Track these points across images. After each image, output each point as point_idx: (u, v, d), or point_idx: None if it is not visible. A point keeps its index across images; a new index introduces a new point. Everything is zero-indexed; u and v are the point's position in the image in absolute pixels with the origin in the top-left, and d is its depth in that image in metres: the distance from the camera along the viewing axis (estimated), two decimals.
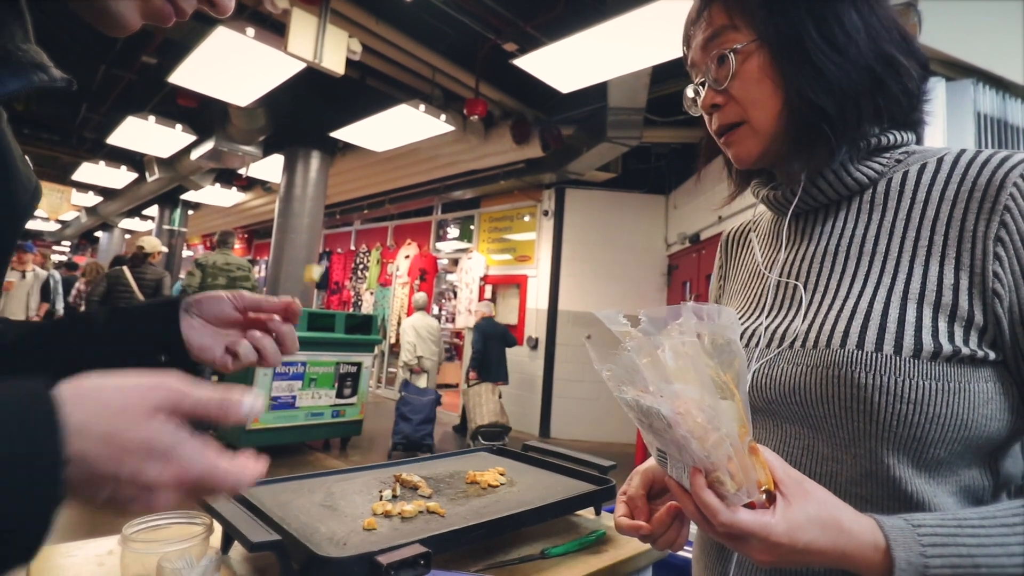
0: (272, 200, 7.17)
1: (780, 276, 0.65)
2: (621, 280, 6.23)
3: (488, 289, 7.03)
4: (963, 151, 0.56)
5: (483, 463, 1.10)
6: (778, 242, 0.69)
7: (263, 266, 9.74)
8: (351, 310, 8.79)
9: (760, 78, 0.58)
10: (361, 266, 8.92)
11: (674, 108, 5.03)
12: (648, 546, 0.93)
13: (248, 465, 0.36)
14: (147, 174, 6.88)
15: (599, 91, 4.32)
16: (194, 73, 4.11)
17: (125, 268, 4.44)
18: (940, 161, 0.57)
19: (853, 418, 0.51)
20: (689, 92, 0.66)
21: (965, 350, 0.49)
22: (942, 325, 0.50)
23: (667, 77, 4.34)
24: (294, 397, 4.28)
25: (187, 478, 0.33)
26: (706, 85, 0.61)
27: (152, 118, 5.21)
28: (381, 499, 0.84)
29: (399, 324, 7.85)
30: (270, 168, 6.41)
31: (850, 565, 0.44)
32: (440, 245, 8.09)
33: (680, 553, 1.18)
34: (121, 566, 0.69)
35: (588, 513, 1.01)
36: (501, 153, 5.64)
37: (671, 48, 3.34)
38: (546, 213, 6.51)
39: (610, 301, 6.21)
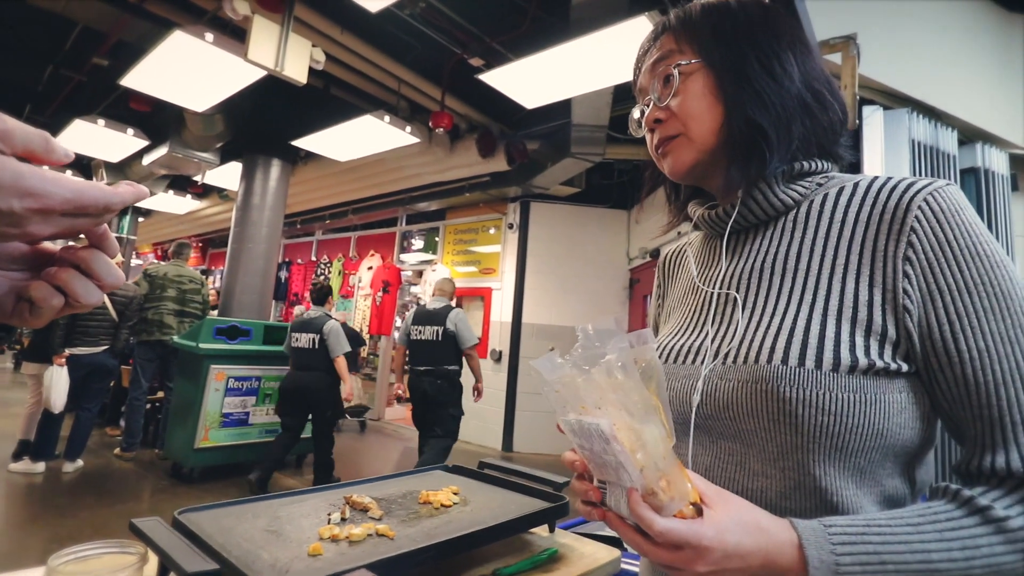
0: (229, 208, 6.98)
1: (713, 288, 0.68)
2: (584, 293, 6.30)
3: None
4: (876, 177, 0.61)
5: (437, 482, 1.08)
6: (712, 260, 0.72)
7: (218, 276, 9.43)
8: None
9: (702, 94, 0.63)
10: (322, 277, 8.74)
11: None
12: (600, 563, 0.93)
13: (120, 186, 0.35)
14: (94, 179, 6.59)
15: (564, 108, 4.39)
16: (148, 76, 3.97)
17: None
18: (856, 185, 0.61)
19: (781, 431, 0.53)
20: (635, 114, 0.71)
21: (880, 363, 0.52)
22: (859, 340, 0.53)
23: (629, 97, 4.42)
24: (247, 413, 4.14)
25: (48, 204, 0.32)
26: (651, 104, 0.66)
27: (102, 121, 5.01)
28: (329, 522, 0.81)
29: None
30: (228, 175, 6.24)
31: (772, 567, 0.46)
32: (404, 257, 8.01)
33: (632, 568, 1.18)
34: None
35: (542, 531, 1.00)
36: (467, 166, 5.65)
37: (632, 69, 3.42)
38: (511, 226, 6.54)
39: (573, 314, 6.26)
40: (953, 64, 2.73)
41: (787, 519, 0.48)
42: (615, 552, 0.97)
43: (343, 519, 0.83)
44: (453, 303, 4.13)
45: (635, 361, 0.45)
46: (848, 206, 0.60)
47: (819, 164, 0.65)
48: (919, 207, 0.54)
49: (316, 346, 3.96)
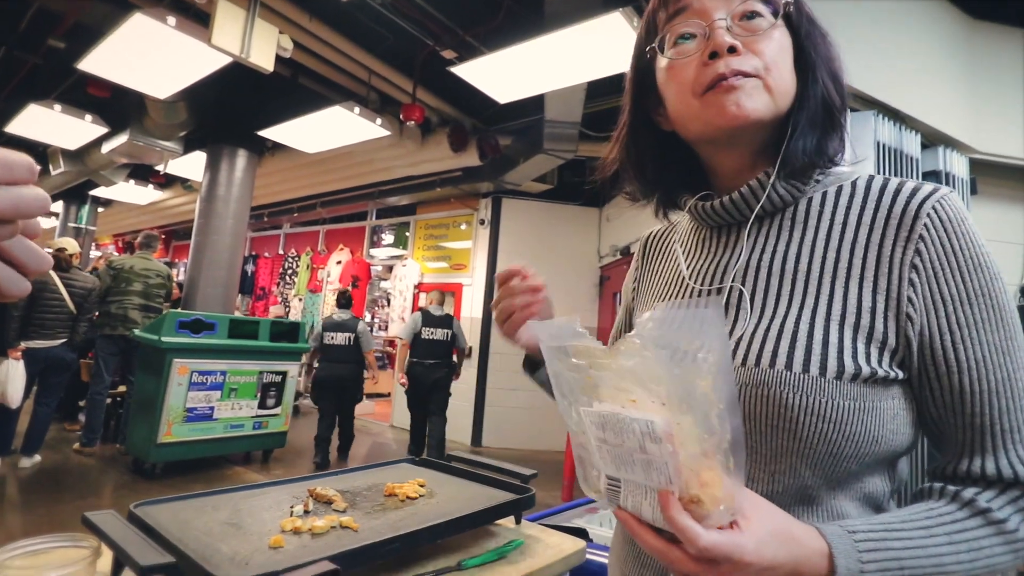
0: (193, 199, 6.78)
1: (703, 286, 0.64)
2: (555, 290, 6.18)
3: (423, 297, 6.95)
4: (872, 177, 0.60)
5: (404, 475, 1.08)
6: (701, 253, 0.68)
7: (181, 269, 9.18)
8: (322, 320, 8.44)
9: (785, 52, 0.57)
10: (290, 271, 8.59)
11: (609, 124, 5.16)
12: (566, 553, 0.94)
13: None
14: (51, 167, 6.33)
15: (536, 103, 4.39)
16: (107, 61, 3.82)
17: (52, 272, 4.03)
18: (854, 185, 0.60)
19: (777, 436, 0.52)
20: (678, 29, 0.59)
21: (880, 371, 0.52)
22: (860, 347, 0.52)
23: (602, 94, 4.47)
24: (212, 408, 4.04)
25: None
26: (717, 27, 0.56)
27: (58, 106, 4.80)
28: (292, 515, 0.80)
29: None
30: (191, 165, 6.06)
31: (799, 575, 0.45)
32: (374, 251, 7.92)
33: (596, 559, 1.20)
34: None
35: (509, 522, 1.01)
36: (438, 160, 5.61)
37: (606, 65, 3.45)
38: (482, 222, 6.52)
39: None
40: (918, 69, 2.83)
41: (813, 526, 0.46)
42: (580, 543, 0.99)
43: (306, 511, 0.83)
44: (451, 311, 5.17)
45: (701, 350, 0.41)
46: (849, 207, 0.58)
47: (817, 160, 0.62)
48: (928, 215, 0.53)
49: (351, 343, 4.86)
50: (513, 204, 6.45)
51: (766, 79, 0.55)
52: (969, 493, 0.50)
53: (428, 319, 4.93)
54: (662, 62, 0.61)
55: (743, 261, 0.61)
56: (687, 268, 0.68)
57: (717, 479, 0.39)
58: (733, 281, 0.61)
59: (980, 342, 0.51)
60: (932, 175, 2.84)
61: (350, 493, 0.93)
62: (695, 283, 0.65)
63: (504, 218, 6.45)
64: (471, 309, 6.48)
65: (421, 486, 0.97)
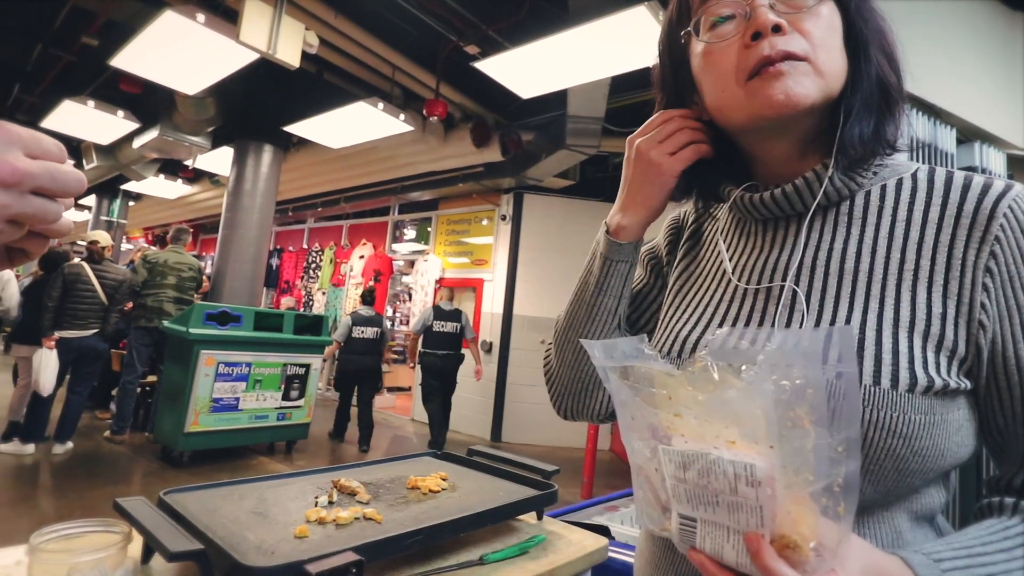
0: (220, 194, 6.91)
1: (749, 284, 0.59)
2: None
3: (451, 291, 6.99)
4: (933, 169, 0.56)
5: (426, 468, 1.08)
6: (747, 248, 0.62)
7: (208, 262, 9.36)
8: (302, 309, 8.56)
9: (835, 31, 0.52)
10: (313, 265, 8.70)
11: (632, 119, 5.13)
12: (588, 550, 0.94)
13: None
14: (84, 161, 6.51)
15: (559, 99, 4.37)
16: (139, 57, 3.91)
17: (84, 264, 4.16)
18: (915, 178, 0.56)
19: None
20: (717, 11, 0.54)
21: (951, 382, 0.48)
22: (931, 356, 0.49)
23: (626, 88, 4.42)
24: (237, 399, 4.12)
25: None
26: (758, 6, 0.51)
27: (91, 103, 4.93)
28: (316, 505, 0.81)
29: None
30: (219, 160, 6.17)
31: None
32: (396, 246, 7.98)
33: (619, 557, 1.19)
34: None
35: (530, 518, 1.01)
36: (460, 156, 5.62)
37: (631, 59, 3.41)
38: (504, 218, 6.52)
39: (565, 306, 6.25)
40: (954, 62, 2.73)
41: (896, 555, 0.43)
42: (603, 541, 0.98)
43: (331, 502, 0.83)
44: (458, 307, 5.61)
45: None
46: (913, 203, 0.54)
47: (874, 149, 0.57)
48: (1004, 215, 0.49)
49: (377, 337, 5.32)
50: (535, 200, 6.43)
51: (815, 61, 0.50)
52: None
53: (439, 313, 5.35)
54: (697, 47, 0.57)
55: (797, 259, 0.56)
56: (731, 265, 0.62)
57: (817, 523, 0.36)
58: (784, 280, 0.56)
59: None
60: (968, 171, 2.74)
61: (373, 485, 0.93)
62: (741, 282, 0.60)
63: (526, 214, 6.43)
64: (492, 305, 6.49)
65: (443, 480, 0.98)
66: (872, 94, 0.53)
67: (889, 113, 0.54)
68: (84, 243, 4.37)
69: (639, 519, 0.44)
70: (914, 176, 0.56)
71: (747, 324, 0.57)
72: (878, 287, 0.51)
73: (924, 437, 0.47)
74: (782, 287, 0.56)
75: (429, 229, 7.45)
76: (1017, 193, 0.50)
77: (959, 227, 0.51)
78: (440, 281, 7.03)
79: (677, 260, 0.73)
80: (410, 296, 7.28)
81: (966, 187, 0.52)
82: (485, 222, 6.82)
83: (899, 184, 0.56)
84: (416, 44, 4.34)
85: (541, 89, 3.95)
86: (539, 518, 1.01)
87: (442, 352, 5.27)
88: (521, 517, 0.99)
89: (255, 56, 3.60)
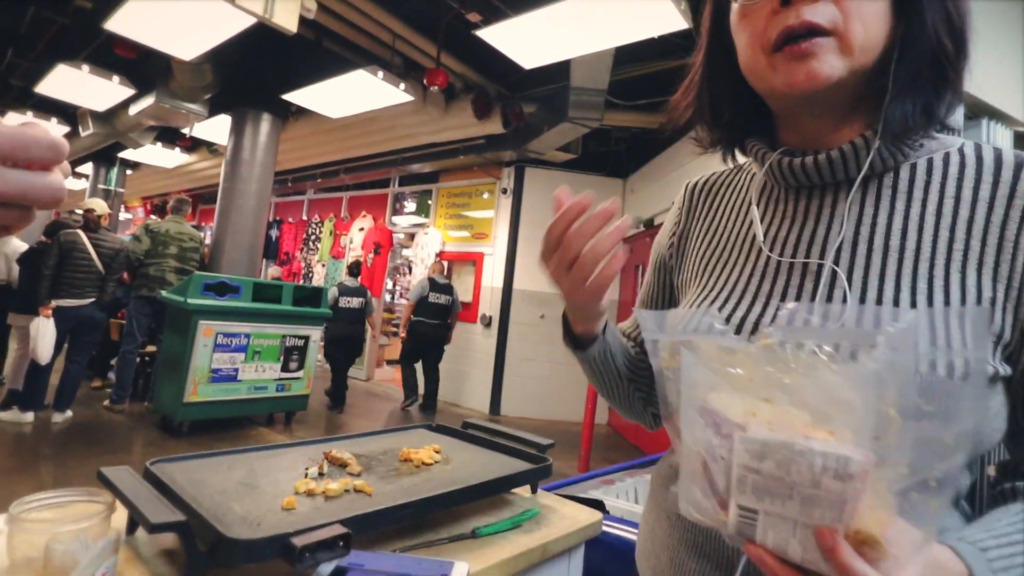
0: (218, 163, 6.82)
1: (784, 257, 0.55)
2: None
3: (444, 265, 6.96)
4: (979, 145, 0.53)
5: (419, 440, 1.07)
6: (778, 217, 0.58)
7: (208, 232, 9.34)
8: (302, 281, 8.55)
9: None
10: (313, 237, 8.65)
11: (636, 92, 5.03)
12: (582, 524, 0.93)
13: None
14: (80, 128, 6.41)
15: (562, 70, 4.27)
16: (133, 21, 3.81)
17: (80, 232, 4.12)
18: (962, 154, 0.52)
19: None
20: None
21: (999, 369, 0.46)
22: None
23: (630, 61, 4.32)
24: (236, 370, 4.13)
25: None
26: None
27: (86, 67, 4.82)
28: (307, 477, 0.80)
29: None
30: (217, 129, 6.08)
31: None
32: (396, 219, 7.92)
33: (614, 531, 1.19)
34: (8, 548, 0.63)
35: (525, 491, 1.00)
36: (461, 127, 5.53)
37: (635, 30, 3.32)
38: (505, 191, 6.46)
39: None
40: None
41: (947, 545, 0.41)
42: (597, 515, 0.97)
43: (321, 474, 0.82)
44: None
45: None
46: (962, 179, 0.51)
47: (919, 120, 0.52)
48: None
49: (361, 307, 5.58)
50: (536, 173, 6.36)
51: (844, 35, 0.47)
52: None
53: (435, 286, 5.69)
54: (734, 6, 0.54)
55: (838, 232, 0.53)
56: (764, 235, 0.58)
57: (895, 518, 0.33)
58: (824, 256, 0.52)
59: None
60: (1018, 151, 2.70)
61: (365, 457, 0.92)
62: (775, 254, 0.56)
63: (527, 187, 6.37)
64: (492, 279, 6.46)
65: (436, 452, 0.97)
66: (922, 66, 0.49)
67: (944, 88, 0.50)
68: (80, 211, 4.32)
69: (682, 507, 0.41)
70: (961, 151, 0.52)
71: (783, 300, 0.54)
72: (926, 266, 0.49)
73: None
74: (821, 263, 0.52)
75: (429, 202, 7.38)
76: None
77: (1012, 207, 0.48)
78: (440, 255, 6.99)
79: (694, 229, 0.68)
80: (410, 269, 7.25)
81: (1019, 166, 0.49)
82: (486, 195, 6.75)
83: (946, 159, 0.52)
84: (417, 11, 4.23)
85: (543, 59, 3.85)
86: (533, 491, 1.00)
87: (434, 322, 5.63)
88: (515, 491, 0.98)
89: (252, 20, 3.50)
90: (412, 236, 7.68)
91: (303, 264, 8.70)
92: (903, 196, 0.52)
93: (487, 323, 6.38)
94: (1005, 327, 0.47)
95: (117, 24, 3.86)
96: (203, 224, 10.80)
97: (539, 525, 0.88)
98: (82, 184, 9.40)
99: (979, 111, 2.75)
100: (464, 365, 6.53)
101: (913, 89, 0.49)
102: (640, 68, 4.45)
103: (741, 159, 0.66)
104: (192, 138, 6.79)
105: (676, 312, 0.42)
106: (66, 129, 6.89)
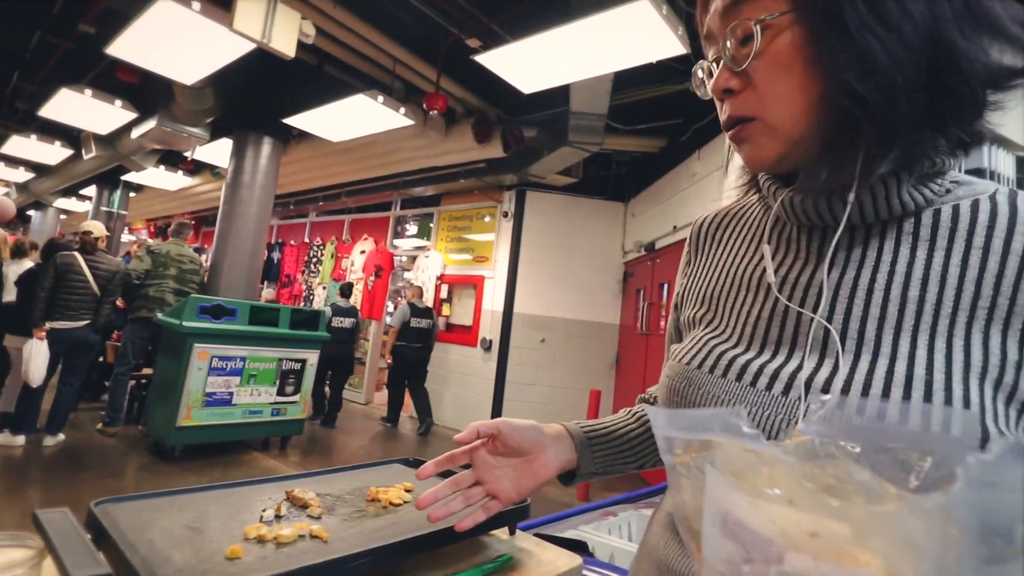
0: (221, 186, 6.87)
1: (792, 302, 0.52)
2: (577, 285, 6.23)
3: (444, 288, 6.93)
4: (1015, 192, 0.48)
5: (393, 476, 1.01)
6: (790, 258, 0.55)
7: (208, 255, 9.40)
8: (302, 304, 8.53)
9: (789, 62, 0.46)
10: (314, 259, 8.66)
11: (636, 116, 5.05)
12: (560, 571, 0.86)
13: None
14: (83, 151, 6.47)
15: (562, 94, 4.29)
16: (135, 46, 3.86)
17: (77, 254, 4.12)
18: (994, 201, 0.48)
19: None
20: (699, 71, 0.54)
21: (1013, 437, 0.43)
22: (1000, 408, 0.43)
23: (629, 85, 4.34)
24: (231, 393, 4.07)
25: None
26: (721, 63, 0.50)
27: (89, 91, 4.88)
28: (262, 520, 0.75)
29: None
30: (219, 152, 6.13)
31: None
32: (398, 242, 7.93)
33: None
34: None
35: (503, 533, 0.94)
36: (462, 151, 5.55)
37: (633, 55, 3.33)
38: (506, 215, 6.45)
39: (566, 305, 6.20)
40: None
41: None
42: (577, 559, 0.91)
43: (278, 516, 0.77)
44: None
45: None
46: (992, 228, 0.46)
47: (947, 161, 0.49)
48: None
49: (353, 327, 6.07)
50: (537, 197, 6.36)
51: (764, 119, 0.48)
52: None
53: (415, 311, 5.98)
54: None
55: (848, 277, 0.49)
56: (775, 275, 0.54)
57: None
58: (834, 300, 0.49)
59: None
60: (975, 173, 2.65)
61: (331, 496, 0.87)
62: (784, 296, 0.53)
63: (528, 211, 6.36)
64: (492, 302, 6.42)
65: (407, 491, 0.91)
66: (836, 125, 0.45)
67: (876, 132, 0.44)
68: (77, 234, 4.33)
69: None
70: (992, 198, 0.48)
71: (792, 352, 0.50)
72: (946, 322, 0.45)
73: None
74: (832, 308, 0.49)
75: (431, 225, 7.39)
76: None
77: None
78: (441, 278, 6.97)
79: (701, 266, 0.66)
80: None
81: None
82: (487, 219, 6.75)
83: (975, 206, 0.48)
84: (416, 36, 4.28)
85: (543, 84, 3.87)
86: (511, 533, 0.94)
87: (417, 345, 5.95)
88: (493, 532, 0.92)
89: (252, 46, 3.54)
90: (413, 259, 7.67)
91: (304, 287, 8.69)
92: (925, 244, 0.48)
93: (487, 347, 6.31)
94: None
95: (119, 49, 3.91)
96: (206, 246, 10.85)
97: (514, 572, 0.82)
98: (85, 206, 9.47)
99: None
100: (464, 389, 6.45)
101: (838, 148, 0.46)
102: (640, 93, 4.47)
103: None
104: (194, 161, 6.85)
105: (693, 413, 0.36)
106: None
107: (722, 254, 0.63)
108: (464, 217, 7.03)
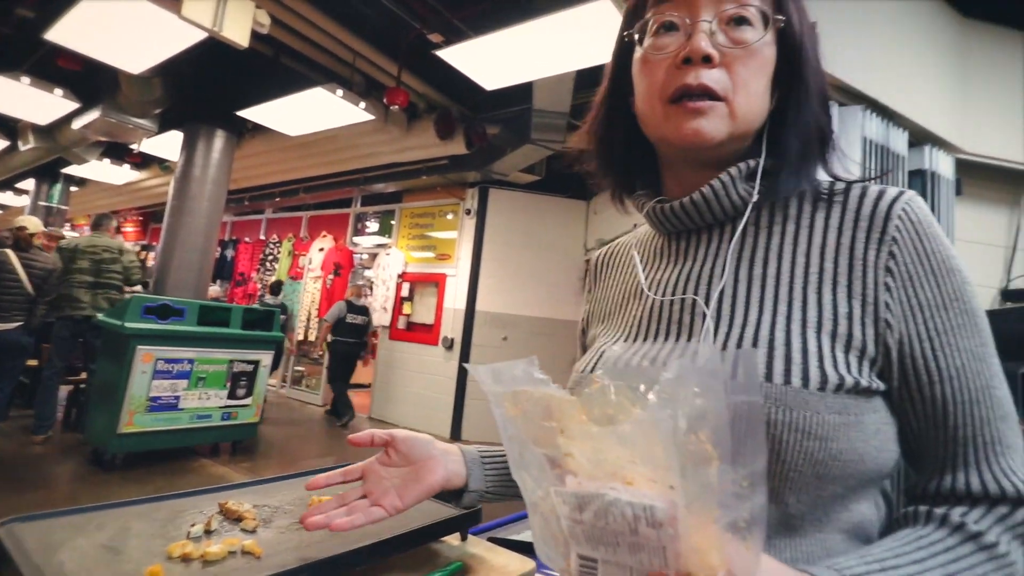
0: (170, 181, 6.60)
1: (663, 296, 0.60)
2: (539, 283, 6.23)
3: (406, 287, 6.83)
4: (832, 181, 0.58)
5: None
6: (660, 261, 0.64)
7: (156, 252, 9.02)
8: (256, 303, 8.28)
9: (761, 71, 0.53)
10: (270, 257, 8.41)
11: None
12: None
13: None
14: (20, 142, 6.11)
15: (525, 92, 4.28)
16: (76, 31, 3.64)
17: (9, 252, 3.84)
18: (818, 187, 0.58)
19: None
20: (648, 31, 0.56)
21: (863, 381, 0.48)
22: (840, 355, 0.49)
23: (592, 84, 4.33)
24: (177, 397, 3.89)
25: None
26: (700, 30, 0.52)
27: (26, 79, 4.60)
28: (189, 536, 0.69)
29: (308, 320, 7.48)
30: (169, 145, 5.87)
31: None
32: (358, 239, 7.77)
33: None
34: None
35: (454, 538, 0.91)
36: (424, 147, 5.48)
37: (595, 54, 3.34)
38: (468, 212, 6.40)
39: (528, 303, 6.20)
40: (908, 66, 2.75)
41: (806, 572, 0.40)
42: (529, 563, 0.88)
43: (208, 531, 0.71)
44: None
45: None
46: (815, 209, 0.56)
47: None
48: (899, 216, 0.51)
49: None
50: (500, 194, 6.33)
51: (732, 103, 0.52)
52: (956, 516, 0.46)
53: (352, 307, 6.18)
54: (638, 52, 0.58)
55: (706, 268, 0.58)
56: (645, 279, 0.64)
57: (723, 558, 0.32)
58: (696, 289, 0.58)
59: (958, 349, 0.49)
60: (918, 174, 2.77)
61: (268, 508, 0.81)
62: (655, 294, 0.61)
63: (491, 208, 6.33)
64: (455, 300, 6.36)
65: None
66: (809, 142, 0.56)
67: (822, 159, 0.58)
68: (11, 230, 4.07)
69: (539, 553, 0.40)
70: (818, 185, 0.58)
71: (666, 338, 0.58)
72: (786, 290, 0.53)
73: (840, 439, 0.47)
74: (695, 299, 0.57)
75: (392, 222, 7.27)
76: (910, 197, 0.52)
77: (858, 229, 0.52)
78: (403, 276, 6.87)
79: (598, 295, 0.75)
80: (371, 290, 7.09)
81: (862, 194, 0.54)
82: (449, 216, 6.69)
83: (801, 193, 0.58)
84: (377, 30, 4.18)
85: (505, 81, 3.85)
86: (463, 539, 0.90)
87: (352, 341, 6.16)
88: (444, 539, 0.89)
89: (203, 35, 3.39)
90: (374, 257, 7.53)
91: (259, 285, 8.43)
92: (764, 230, 0.57)
93: (449, 346, 6.26)
94: (867, 341, 0.50)
95: (59, 35, 3.69)
96: (154, 243, 10.40)
97: None
98: (22, 201, 8.95)
99: (922, 138, 2.83)
100: (426, 389, 6.37)
101: (798, 165, 0.55)
102: None
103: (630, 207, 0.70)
104: (141, 154, 6.55)
105: (508, 364, 0.41)
106: None
107: (615, 277, 0.73)
108: (426, 214, 6.94)
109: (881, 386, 0.50)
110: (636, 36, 0.57)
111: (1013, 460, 0.48)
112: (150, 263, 10.39)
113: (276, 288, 6.79)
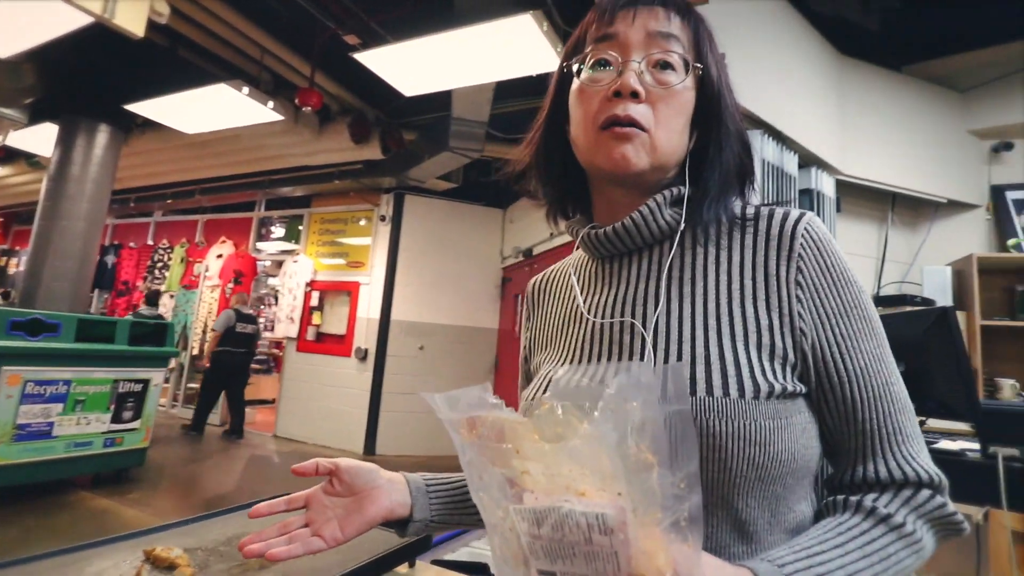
0: (40, 178, 5.87)
1: (603, 319, 0.63)
2: (456, 290, 6.20)
3: (315, 295, 6.53)
4: (744, 204, 0.64)
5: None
6: (596, 285, 0.68)
7: (23, 258, 7.98)
8: (130, 315, 7.55)
9: (680, 112, 0.59)
10: (160, 264, 7.72)
11: (516, 126, 5.15)
12: None
13: None
14: None
15: (444, 100, 4.25)
16: None
17: None
18: (733, 210, 0.63)
19: (708, 468, 0.51)
20: (609, 57, 0.60)
21: (788, 386, 0.53)
22: (767, 364, 0.54)
23: (510, 95, 4.41)
24: (51, 424, 3.44)
25: None
26: (634, 70, 0.58)
27: None
28: None
29: (204, 332, 6.95)
30: (40, 139, 5.22)
31: None
32: (261, 245, 7.32)
33: None
34: None
35: (403, 568, 0.87)
36: (337, 151, 5.28)
37: (514, 66, 3.39)
38: (383, 218, 6.25)
39: (445, 312, 6.15)
40: (798, 95, 3.04)
41: (746, 567, 0.44)
42: None
43: None
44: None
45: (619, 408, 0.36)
46: (732, 232, 0.61)
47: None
48: (803, 234, 0.57)
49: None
50: (416, 201, 6.24)
51: (653, 136, 0.57)
52: (868, 502, 0.52)
53: (240, 316, 6.00)
54: (575, 83, 0.63)
55: (639, 290, 0.62)
56: (584, 303, 0.67)
57: (669, 559, 0.35)
58: (632, 310, 0.61)
59: (860, 351, 0.55)
60: (806, 192, 3.07)
61: (201, 551, 0.74)
62: (595, 317, 0.64)
63: (407, 215, 6.22)
64: (368, 310, 6.17)
65: None
66: (728, 178, 0.62)
67: (740, 192, 0.65)
68: None
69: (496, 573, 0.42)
70: (733, 208, 0.63)
71: (608, 358, 0.61)
72: (713, 306, 0.57)
73: (776, 441, 0.51)
74: (634, 323, 0.60)
75: (300, 228, 6.93)
76: (809, 218, 0.59)
77: (770, 248, 0.58)
78: (311, 284, 6.56)
79: (538, 320, 0.77)
80: (276, 300, 6.70)
81: (771, 215, 0.60)
82: (363, 222, 6.49)
83: (719, 217, 0.63)
84: (289, 27, 3.98)
85: (424, 88, 3.81)
86: (411, 566, 0.87)
87: (241, 351, 6.00)
88: (396, 568, 0.85)
89: (88, 19, 3.05)
90: (280, 264, 7.13)
91: (144, 293, 7.69)
92: (689, 251, 0.62)
93: (362, 357, 6.05)
94: (787, 349, 0.55)
95: None
96: (18, 248, 9.20)
97: None
98: None
99: (809, 161, 3.14)
100: (336, 403, 6.11)
101: (721, 195, 0.61)
102: (521, 104, 4.56)
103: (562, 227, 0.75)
104: (6, 148, 5.78)
105: (462, 391, 0.42)
106: None
107: (554, 303, 0.75)
108: (338, 220, 6.69)
109: (803, 388, 0.55)
110: (575, 68, 0.62)
111: (913, 447, 0.54)
112: (12, 270, 9.18)
113: (153, 298, 6.40)
